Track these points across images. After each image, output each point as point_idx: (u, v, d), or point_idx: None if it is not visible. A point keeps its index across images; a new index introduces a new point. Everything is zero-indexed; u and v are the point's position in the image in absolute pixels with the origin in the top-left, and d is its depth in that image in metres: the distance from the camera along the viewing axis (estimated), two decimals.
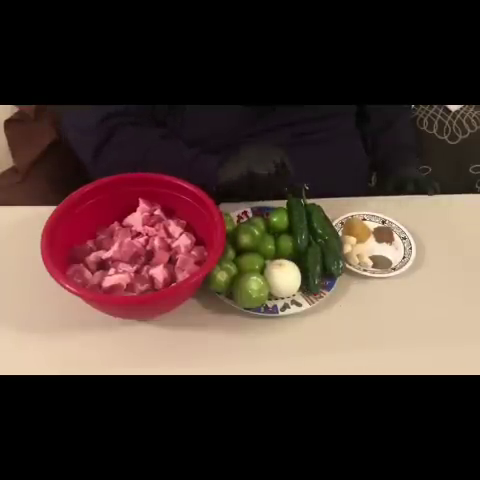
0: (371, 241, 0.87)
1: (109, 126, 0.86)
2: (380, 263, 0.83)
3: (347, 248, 0.83)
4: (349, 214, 0.90)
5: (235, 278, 0.72)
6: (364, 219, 0.90)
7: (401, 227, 0.88)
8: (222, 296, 0.74)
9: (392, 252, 0.85)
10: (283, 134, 0.96)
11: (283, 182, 0.81)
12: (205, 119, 0.92)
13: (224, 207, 0.84)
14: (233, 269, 0.73)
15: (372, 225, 0.89)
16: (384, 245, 0.86)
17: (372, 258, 0.83)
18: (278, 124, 0.95)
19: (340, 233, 0.86)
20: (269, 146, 0.83)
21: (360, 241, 0.86)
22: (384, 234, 0.87)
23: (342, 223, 0.89)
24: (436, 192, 0.97)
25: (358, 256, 0.83)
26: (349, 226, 0.88)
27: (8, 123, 1.07)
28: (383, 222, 0.89)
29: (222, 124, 0.93)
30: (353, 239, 0.85)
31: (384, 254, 0.85)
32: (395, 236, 0.87)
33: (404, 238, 0.86)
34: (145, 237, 0.76)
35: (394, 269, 0.81)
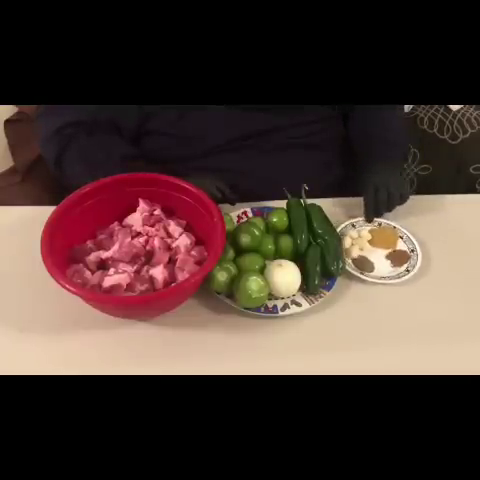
0: (381, 252, 0.85)
1: (65, 136, 0.88)
2: (362, 265, 0.82)
3: (347, 241, 0.85)
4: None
5: (235, 278, 0.72)
6: (401, 237, 0.86)
7: (418, 253, 0.83)
8: (222, 296, 0.74)
9: (387, 267, 0.82)
10: (277, 137, 0.96)
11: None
12: (201, 120, 0.93)
13: (224, 207, 0.84)
14: (233, 269, 0.73)
15: (402, 245, 0.85)
16: (388, 262, 0.83)
17: (361, 257, 0.83)
18: (272, 127, 0.96)
19: (358, 228, 0.88)
20: (208, 175, 0.87)
21: (374, 245, 0.85)
22: (398, 257, 0.83)
23: (357, 222, 0.90)
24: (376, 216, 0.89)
25: (352, 247, 0.84)
26: (381, 231, 0.87)
27: (8, 123, 1.07)
28: (412, 251, 0.83)
29: (218, 126, 0.93)
30: (368, 235, 0.86)
31: (377, 264, 0.82)
32: (405, 265, 0.82)
33: (412, 266, 0.82)
34: (145, 237, 0.76)
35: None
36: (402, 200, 0.88)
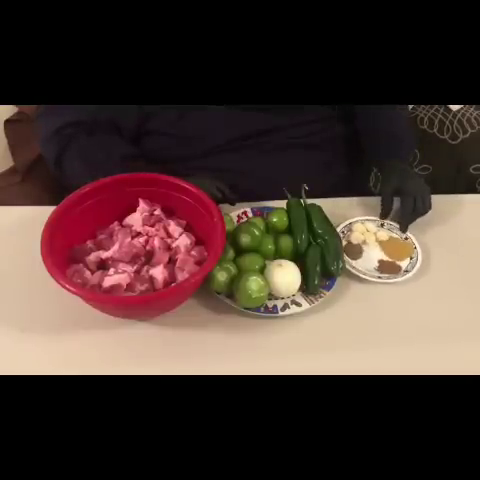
0: (379, 253, 0.85)
1: (65, 136, 0.89)
2: (351, 251, 0.83)
3: (359, 228, 0.86)
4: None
5: (235, 278, 0.72)
6: (411, 258, 0.83)
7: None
8: (222, 296, 0.74)
9: (370, 266, 0.82)
10: (277, 137, 0.96)
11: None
12: (201, 120, 0.93)
13: (224, 207, 0.84)
14: (233, 269, 0.73)
15: (404, 263, 0.82)
16: (376, 264, 0.82)
17: (357, 245, 0.85)
18: (272, 127, 0.96)
19: (385, 227, 0.89)
20: (207, 175, 0.87)
21: (382, 247, 0.85)
22: (388, 267, 0.82)
23: (387, 224, 0.90)
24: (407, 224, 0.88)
25: (359, 234, 0.85)
26: (402, 244, 0.86)
27: (8, 123, 1.07)
28: (405, 271, 0.81)
29: (218, 126, 0.93)
30: (385, 237, 0.86)
31: (364, 258, 0.83)
32: (388, 275, 0.80)
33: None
34: (145, 237, 0.76)
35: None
36: (427, 208, 0.89)
